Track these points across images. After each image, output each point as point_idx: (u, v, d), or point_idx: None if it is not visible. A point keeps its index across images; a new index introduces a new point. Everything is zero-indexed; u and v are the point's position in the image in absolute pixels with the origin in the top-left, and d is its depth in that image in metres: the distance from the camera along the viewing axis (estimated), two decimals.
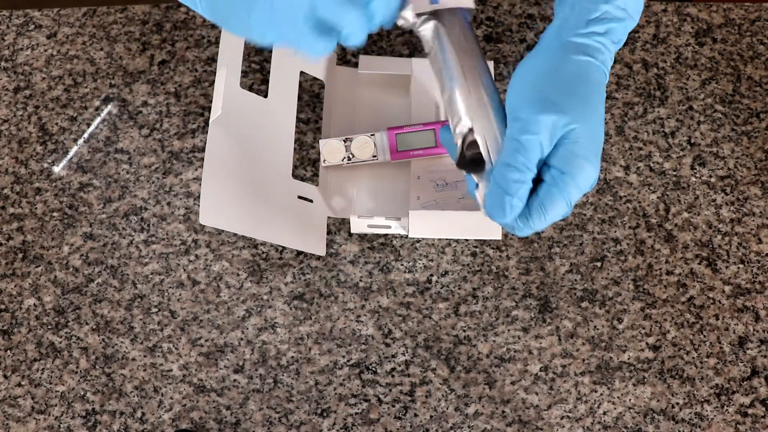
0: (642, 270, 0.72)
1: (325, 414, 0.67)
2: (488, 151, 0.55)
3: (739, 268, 0.72)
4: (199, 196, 0.72)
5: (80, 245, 0.73)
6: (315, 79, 0.78)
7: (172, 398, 0.68)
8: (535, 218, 0.54)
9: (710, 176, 0.75)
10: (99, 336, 0.70)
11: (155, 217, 0.74)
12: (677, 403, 0.67)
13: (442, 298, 0.71)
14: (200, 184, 0.71)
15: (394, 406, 0.67)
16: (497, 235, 0.71)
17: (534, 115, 0.52)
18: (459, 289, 0.71)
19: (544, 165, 0.54)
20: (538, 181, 0.55)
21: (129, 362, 0.69)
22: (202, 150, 0.76)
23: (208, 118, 0.75)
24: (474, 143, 0.55)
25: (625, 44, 0.80)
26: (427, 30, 0.56)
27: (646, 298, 0.71)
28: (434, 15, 0.55)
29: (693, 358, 0.69)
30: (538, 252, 0.72)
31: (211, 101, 0.78)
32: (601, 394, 0.67)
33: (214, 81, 0.73)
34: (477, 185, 0.57)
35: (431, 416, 0.67)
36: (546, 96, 0.53)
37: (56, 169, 0.76)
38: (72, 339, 0.70)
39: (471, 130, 0.55)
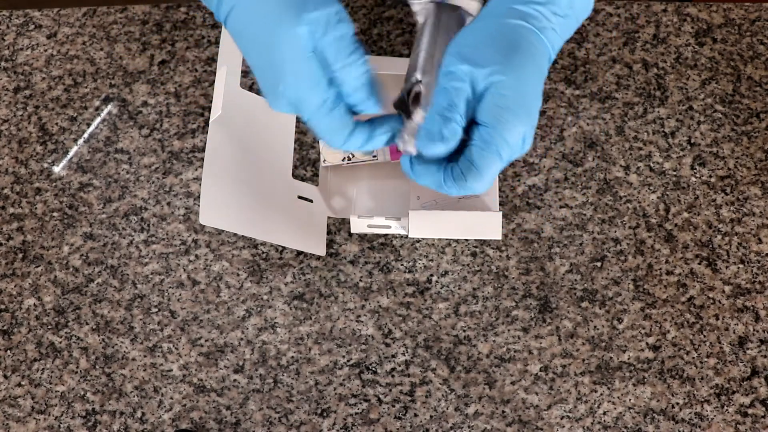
0: (642, 270, 0.72)
1: (325, 414, 0.67)
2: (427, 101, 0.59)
3: (739, 268, 0.72)
4: (199, 196, 0.72)
5: (80, 245, 0.73)
6: None
7: (172, 398, 0.68)
8: (467, 175, 0.56)
9: (710, 176, 0.75)
10: (99, 336, 0.70)
11: (155, 217, 0.74)
12: (677, 403, 0.67)
13: (442, 298, 0.71)
14: (200, 184, 0.71)
15: (394, 406, 0.67)
16: (497, 235, 0.71)
17: (455, 66, 0.55)
18: (459, 289, 0.71)
19: (473, 125, 0.56)
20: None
21: (129, 362, 0.69)
22: (202, 150, 0.76)
23: (208, 118, 0.75)
24: (418, 94, 0.59)
25: (625, 44, 0.80)
26: (422, 11, 0.61)
27: (646, 298, 0.71)
28: (437, 4, 0.60)
29: (693, 358, 0.69)
30: (538, 252, 0.72)
31: (211, 101, 0.78)
32: (601, 394, 0.67)
33: (214, 81, 0.73)
34: (402, 134, 0.59)
35: (431, 416, 0.67)
36: (470, 51, 0.55)
37: (56, 169, 0.76)
38: (72, 339, 0.70)
39: (419, 81, 0.59)
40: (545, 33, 0.57)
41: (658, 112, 0.77)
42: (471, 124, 0.57)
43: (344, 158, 0.73)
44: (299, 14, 0.55)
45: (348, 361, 0.69)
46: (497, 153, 0.55)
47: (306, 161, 0.76)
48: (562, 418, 0.67)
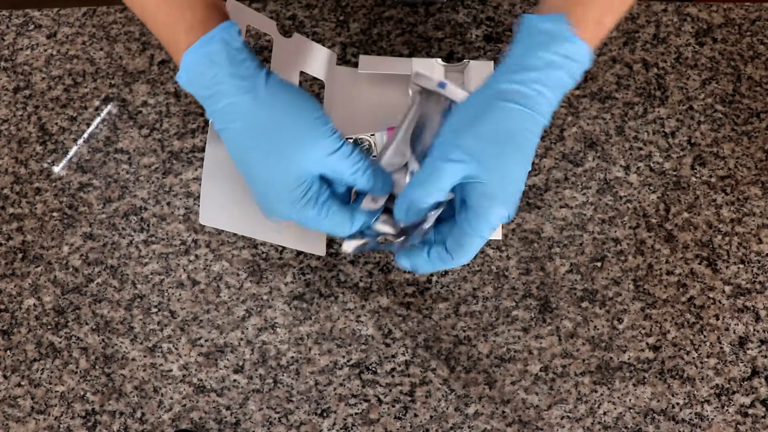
0: (642, 270, 0.72)
1: (325, 414, 0.67)
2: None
3: (739, 268, 0.72)
4: (199, 196, 0.72)
5: (80, 245, 0.73)
6: (315, 79, 0.78)
7: (172, 398, 0.68)
8: (454, 253, 0.59)
9: (710, 176, 0.75)
10: (99, 336, 0.70)
11: (155, 217, 0.74)
12: (677, 404, 0.67)
13: (442, 298, 0.71)
14: (200, 184, 0.71)
15: (394, 406, 0.67)
16: (497, 235, 0.71)
17: (441, 162, 0.58)
18: (459, 289, 0.71)
19: (462, 205, 0.59)
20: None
21: (129, 362, 0.69)
22: (202, 150, 0.76)
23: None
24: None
25: (626, 44, 0.80)
26: (414, 95, 0.65)
27: (646, 298, 0.71)
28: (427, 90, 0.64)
29: (693, 358, 0.69)
30: (538, 252, 0.72)
31: None
32: (602, 395, 0.67)
33: None
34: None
35: (431, 416, 0.67)
36: (458, 137, 0.58)
37: (56, 169, 0.76)
38: (72, 339, 0.70)
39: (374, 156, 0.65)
40: (540, 110, 0.58)
41: (659, 112, 0.77)
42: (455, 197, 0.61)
43: None
44: (314, 142, 0.58)
45: (348, 361, 0.69)
46: (480, 235, 0.58)
47: None
48: (562, 419, 0.67)
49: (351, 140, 0.72)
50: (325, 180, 0.60)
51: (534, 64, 0.58)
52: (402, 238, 0.63)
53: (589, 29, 0.59)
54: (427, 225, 0.62)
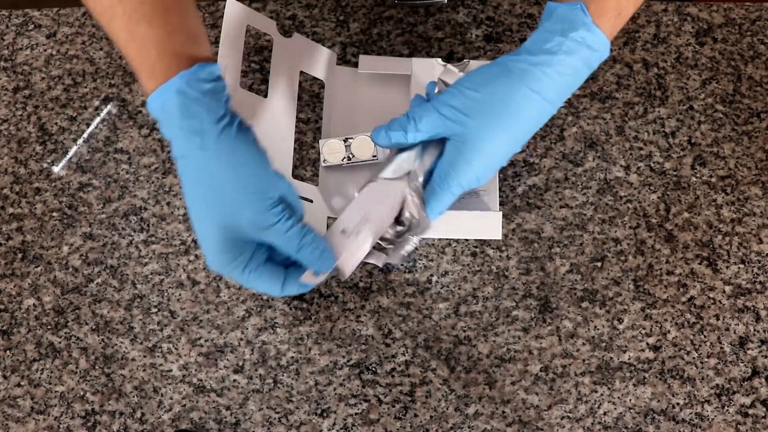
0: (642, 270, 0.71)
1: (325, 414, 0.67)
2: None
3: (739, 268, 0.71)
4: None
5: (80, 245, 0.73)
6: (315, 78, 0.77)
7: (171, 398, 0.68)
8: (430, 203, 0.63)
9: (711, 176, 0.75)
10: (99, 336, 0.70)
11: (155, 217, 0.74)
12: (678, 404, 0.67)
13: (442, 298, 0.71)
14: None
15: (394, 406, 0.67)
16: (497, 235, 0.71)
17: (448, 106, 0.61)
18: (459, 289, 0.71)
19: (442, 153, 0.63)
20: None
21: (129, 362, 0.69)
22: None
23: None
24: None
25: (626, 44, 0.80)
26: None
27: (646, 298, 0.70)
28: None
29: (693, 358, 0.69)
30: (538, 252, 0.72)
31: None
32: (602, 395, 0.67)
33: None
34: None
35: (431, 416, 0.67)
36: (452, 102, 0.61)
37: (56, 169, 0.76)
38: (71, 339, 0.70)
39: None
40: (541, 92, 0.60)
41: (659, 111, 0.77)
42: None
43: (344, 158, 0.73)
44: (250, 214, 0.58)
45: (348, 361, 0.69)
46: (449, 191, 0.62)
47: (306, 161, 0.76)
48: (562, 419, 0.67)
49: (349, 141, 0.72)
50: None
51: (548, 48, 0.59)
52: (383, 257, 0.66)
53: (608, 19, 0.60)
54: (409, 248, 0.65)
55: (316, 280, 0.61)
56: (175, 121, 0.56)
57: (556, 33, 0.59)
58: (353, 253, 0.63)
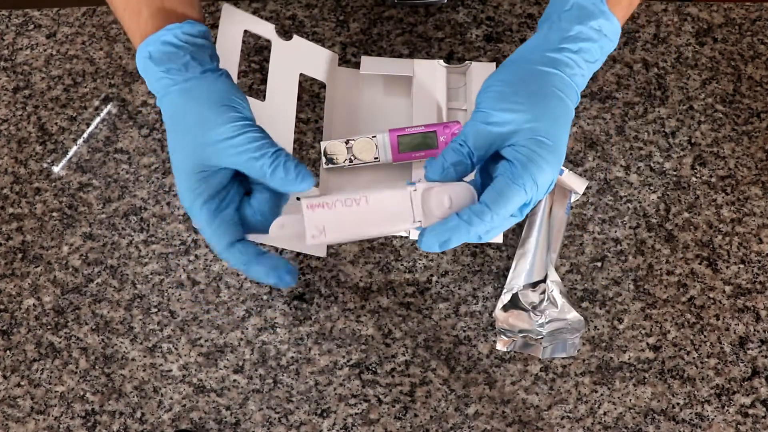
0: (642, 270, 0.71)
1: (325, 414, 0.67)
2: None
3: (739, 268, 0.71)
4: None
5: (80, 245, 0.73)
6: (315, 79, 0.77)
7: (171, 398, 0.68)
8: (493, 204, 0.55)
9: (711, 176, 0.75)
10: (99, 336, 0.70)
11: (155, 217, 0.74)
12: (678, 404, 0.67)
13: (442, 298, 0.71)
14: None
15: (394, 406, 0.67)
16: (497, 237, 0.71)
17: (494, 111, 0.56)
18: (459, 289, 0.71)
19: (501, 161, 0.57)
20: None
21: (129, 362, 0.69)
22: None
23: None
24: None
25: (626, 44, 0.80)
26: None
27: (646, 298, 0.71)
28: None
29: (693, 358, 0.69)
30: None
31: None
32: (602, 395, 0.67)
33: None
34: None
35: (431, 416, 0.67)
36: (504, 96, 0.57)
37: (56, 169, 0.76)
38: (71, 339, 0.70)
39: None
40: (575, 80, 0.58)
41: (659, 111, 0.77)
42: (489, 164, 0.58)
43: (345, 159, 0.73)
44: (213, 126, 0.56)
45: (348, 361, 0.69)
46: (523, 185, 0.55)
47: (306, 161, 0.76)
48: (562, 419, 0.67)
49: (349, 143, 0.72)
50: (242, 187, 0.58)
51: (572, 36, 0.58)
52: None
53: (622, 8, 0.60)
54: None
55: (281, 233, 0.56)
56: (162, 65, 0.57)
57: (576, 21, 0.59)
58: (342, 220, 0.57)
